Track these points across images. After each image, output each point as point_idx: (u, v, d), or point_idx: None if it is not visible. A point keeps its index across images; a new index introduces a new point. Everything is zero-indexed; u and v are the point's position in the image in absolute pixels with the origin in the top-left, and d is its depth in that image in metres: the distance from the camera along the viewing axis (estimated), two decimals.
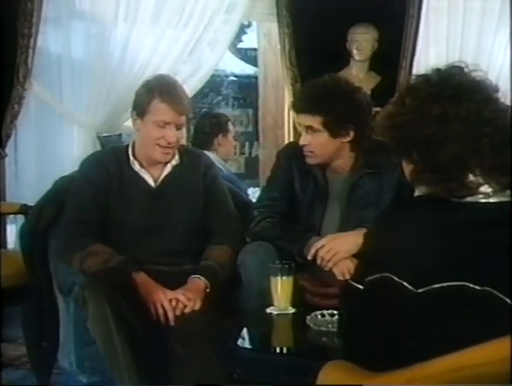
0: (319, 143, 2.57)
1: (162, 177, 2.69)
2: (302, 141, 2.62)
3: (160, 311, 2.43)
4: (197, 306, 2.46)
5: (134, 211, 2.64)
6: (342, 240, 2.49)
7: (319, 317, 2.19)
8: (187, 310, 2.44)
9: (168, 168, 2.70)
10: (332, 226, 2.65)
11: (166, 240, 2.64)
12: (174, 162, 2.70)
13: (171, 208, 2.67)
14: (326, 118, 2.53)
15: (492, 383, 1.24)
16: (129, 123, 3.12)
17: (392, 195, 2.58)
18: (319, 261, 2.49)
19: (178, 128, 2.62)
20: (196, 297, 2.47)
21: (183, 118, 2.63)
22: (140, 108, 2.62)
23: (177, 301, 2.44)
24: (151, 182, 2.69)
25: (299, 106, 2.63)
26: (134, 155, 2.69)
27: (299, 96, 2.68)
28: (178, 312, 2.44)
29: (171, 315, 2.43)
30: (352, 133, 2.56)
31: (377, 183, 2.61)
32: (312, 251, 2.50)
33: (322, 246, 2.49)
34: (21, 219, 3.63)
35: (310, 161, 2.64)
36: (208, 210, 2.72)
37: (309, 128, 2.57)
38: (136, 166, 2.68)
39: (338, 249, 2.47)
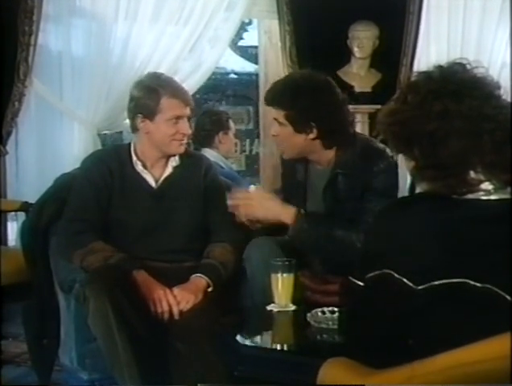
0: (285, 136, 2.59)
1: (163, 178, 2.70)
2: (271, 132, 2.68)
3: (160, 310, 2.43)
4: (190, 305, 2.46)
5: (135, 210, 2.64)
6: (265, 203, 2.56)
7: (319, 314, 2.19)
8: (180, 308, 2.44)
9: (169, 169, 2.70)
10: None
11: (167, 239, 2.64)
12: (174, 163, 2.71)
13: (172, 208, 2.67)
14: (288, 113, 2.55)
15: (492, 381, 1.24)
16: None
17: (354, 197, 2.58)
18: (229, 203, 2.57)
19: (188, 119, 2.68)
20: (191, 296, 2.47)
21: (189, 109, 2.68)
22: (148, 110, 2.61)
23: (175, 299, 2.45)
24: (152, 183, 2.69)
25: (267, 98, 2.67)
26: (136, 155, 2.70)
27: (269, 88, 2.70)
28: (176, 310, 2.44)
29: (175, 309, 2.43)
30: (315, 131, 2.55)
31: (350, 184, 2.61)
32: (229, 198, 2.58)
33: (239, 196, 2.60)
34: (22, 216, 3.64)
35: (283, 155, 2.70)
36: (209, 208, 2.72)
37: (276, 120, 2.61)
38: (139, 167, 2.68)
39: (254, 207, 2.55)
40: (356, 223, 2.51)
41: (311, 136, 2.55)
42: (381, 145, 2.66)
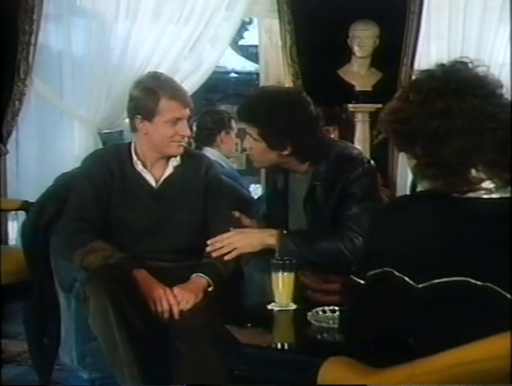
0: (258, 151, 2.59)
1: (163, 178, 2.69)
2: (244, 144, 2.68)
3: (160, 309, 2.43)
4: (190, 305, 2.46)
5: (135, 210, 2.64)
6: (245, 236, 2.60)
7: (320, 313, 2.19)
8: (180, 308, 2.44)
9: (170, 169, 2.70)
10: (296, 224, 2.70)
11: (167, 238, 2.64)
12: (175, 163, 2.70)
13: (172, 208, 2.67)
14: (261, 130, 2.54)
15: (492, 380, 1.24)
16: None
17: (333, 206, 2.59)
18: (214, 254, 2.58)
19: (187, 120, 2.67)
20: (191, 296, 2.47)
21: (189, 110, 2.66)
22: (147, 112, 2.60)
23: (176, 298, 2.44)
24: (153, 183, 2.68)
25: (240, 113, 2.68)
26: (136, 155, 2.69)
27: (243, 103, 2.70)
28: (176, 309, 2.44)
29: (176, 309, 2.43)
30: (289, 148, 2.55)
31: (328, 194, 2.61)
32: (208, 248, 2.59)
33: (217, 241, 2.59)
34: (22, 215, 3.63)
35: (254, 164, 2.72)
36: (210, 208, 2.72)
37: (249, 134, 2.59)
38: (139, 167, 2.68)
39: (237, 245, 2.56)
40: (340, 232, 2.52)
41: (286, 152, 2.55)
42: (356, 152, 2.68)
